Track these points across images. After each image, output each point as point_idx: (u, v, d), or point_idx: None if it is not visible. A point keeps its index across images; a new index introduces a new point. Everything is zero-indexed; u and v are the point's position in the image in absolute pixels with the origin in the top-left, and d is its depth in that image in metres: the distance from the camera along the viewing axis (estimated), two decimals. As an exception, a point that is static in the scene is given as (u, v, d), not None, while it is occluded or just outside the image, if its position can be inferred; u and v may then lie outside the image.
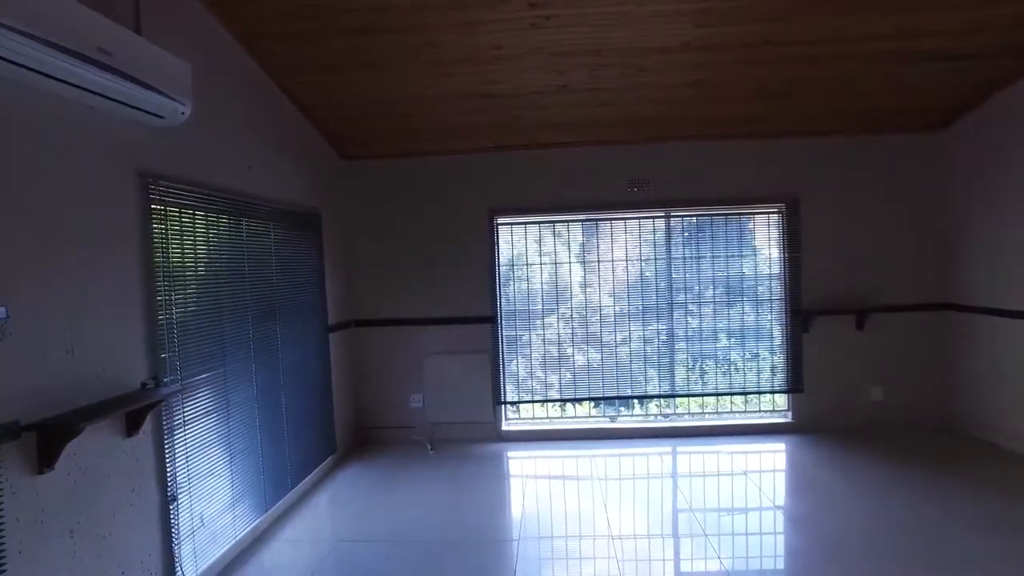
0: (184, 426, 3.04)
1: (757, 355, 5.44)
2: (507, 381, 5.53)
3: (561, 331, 5.51)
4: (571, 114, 4.70)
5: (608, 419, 5.62)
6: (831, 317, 5.26)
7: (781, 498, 4.25)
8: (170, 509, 2.91)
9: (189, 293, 3.16)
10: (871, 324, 5.26)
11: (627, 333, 5.47)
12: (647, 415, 5.64)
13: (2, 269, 2.13)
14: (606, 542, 3.58)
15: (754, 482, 4.41)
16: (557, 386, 5.54)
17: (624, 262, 5.43)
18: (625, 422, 5.58)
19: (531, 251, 5.51)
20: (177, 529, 2.94)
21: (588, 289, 5.50)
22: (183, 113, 2.79)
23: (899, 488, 4.13)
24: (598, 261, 5.46)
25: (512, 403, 5.58)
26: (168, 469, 2.91)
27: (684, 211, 5.34)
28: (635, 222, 5.39)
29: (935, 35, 3.75)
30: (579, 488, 4.46)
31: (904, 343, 5.29)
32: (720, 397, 5.54)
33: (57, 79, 2.19)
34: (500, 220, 5.45)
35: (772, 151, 5.21)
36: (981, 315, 4.88)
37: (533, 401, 5.58)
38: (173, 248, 3.04)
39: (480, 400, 5.44)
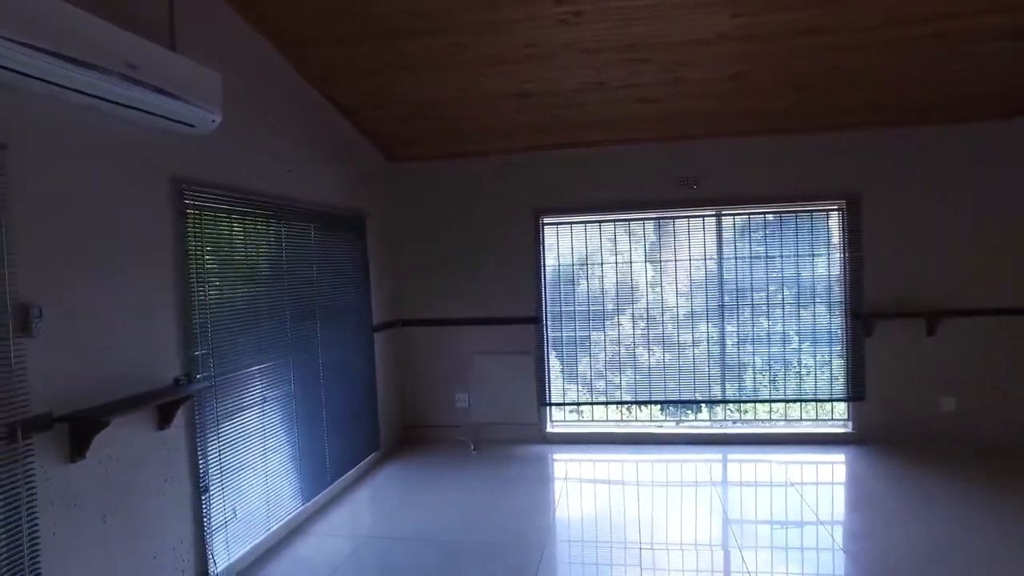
0: (217, 421, 3.17)
1: (815, 360, 5.14)
2: (554, 382, 5.47)
3: (607, 333, 5.40)
4: (611, 112, 4.59)
5: (662, 424, 5.46)
6: (897, 321, 4.90)
7: (834, 513, 4.01)
8: (202, 500, 3.05)
9: (223, 293, 3.30)
10: (943, 329, 4.85)
11: (676, 335, 5.29)
12: (697, 420, 5.44)
13: (39, 270, 2.29)
14: (636, 551, 3.47)
15: (805, 495, 4.17)
16: (604, 388, 5.44)
17: (672, 262, 5.26)
18: (673, 427, 5.40)
19: (577, 251, 5.42)
20: (209, 519, 3.07)
21: (635, 290, 5.36)
22: (213, 121, 2.90)
23: (967, 511, 3.79)
24: (645, 262, 5.32)
25: (556, 404, 5.51)
26: (200, 462, 3.04)
27: (736, 209, 5.12)
28: (684, 221, 5.21)
29: (1006, 10, 3.41)
30: (620, 493, 4.37)
31: (981, 350, 4.85)
32: (774, 404, 5.27)
33: (86, 93, 2.33)
34: (545, 220, 5.40)
35: (829, 145, 4.91)
36: (1071, 321, 4.42)
37: (577, 403, 5.51)
38: (207, 250, 3.18)
39: (524, 401, 5.42)
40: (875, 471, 4.51)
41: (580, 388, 5.48)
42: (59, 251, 2.38)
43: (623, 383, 5.40)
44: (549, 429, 5.48)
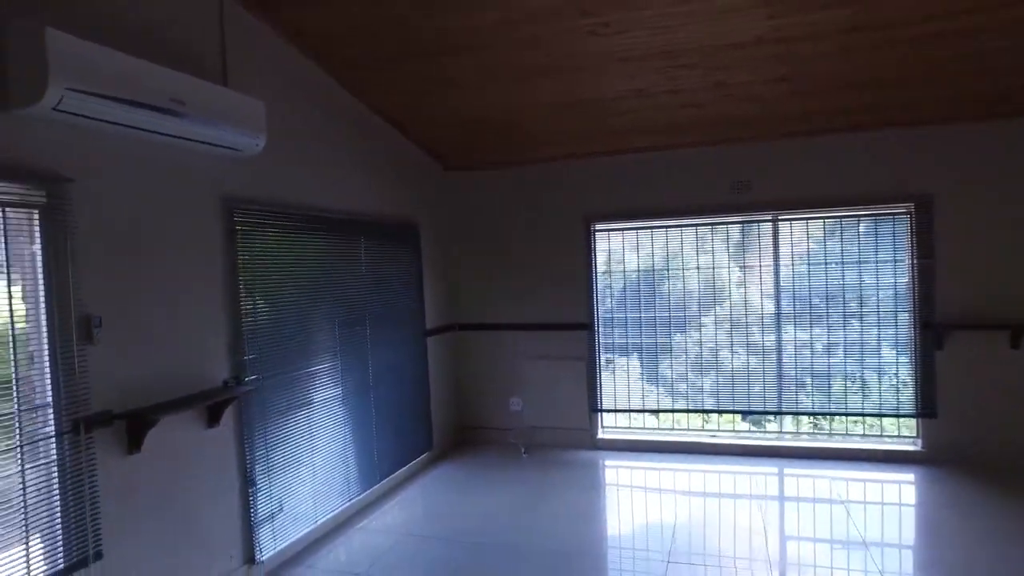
0: (264, 420, 3.44)
1: (879, 373, 4.85)
2: (604, 389, 5.47)
3: (659, 339, 5.34)
4: (656, 117, 4.55)
5: (715, 433, 5.32)
6: (973, 332, 4.54)
7: (902, 537, 3.78)
8: (249, 493, 3.32)
9: (271, 301, 3.56)
10: (1030, 342, 4.46)
11: (730, 343, 5.15)
12: (752, 431, 5.28)
13: (100, 284, 2.59)
14: (687, 566, 3.42)
15: (869, 515, 3.97)
16: (655, 394, 5.39)
17: (726, 268, 5.12)
18: (727, 437, 5.26)
19: (629, 257, 5.40)
20: (255, 511, 3.34)
21: (688, 297, 5.26)
22: (257, 145, 3.17)
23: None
24: (698, 268, 5.21)
25: (607, 411, 5.50)
26: (247, 458, 3.31)
27: (793, 214, 4.91)
28: (738, 226, 5.06)
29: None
30: (672, 503, 4.32)
31: (1073, 366, 4.42)
32: (833, 417, 5.02)
33: (142, 128, 2.62)
34: (597, 227, 5.41)
35: (894, 144, 4.62)
36: None
37: (629, 410, 5.47)
38: (256, 261, 3.45)
39: (576, 406, 5.45)
40: (947, 495, 4.21)
41: (658, 392, 5.44)
42: (117, 266, 2.68)
43: (675, 391, 5.32)
44: (600, 435, 5.48)
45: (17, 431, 2.39)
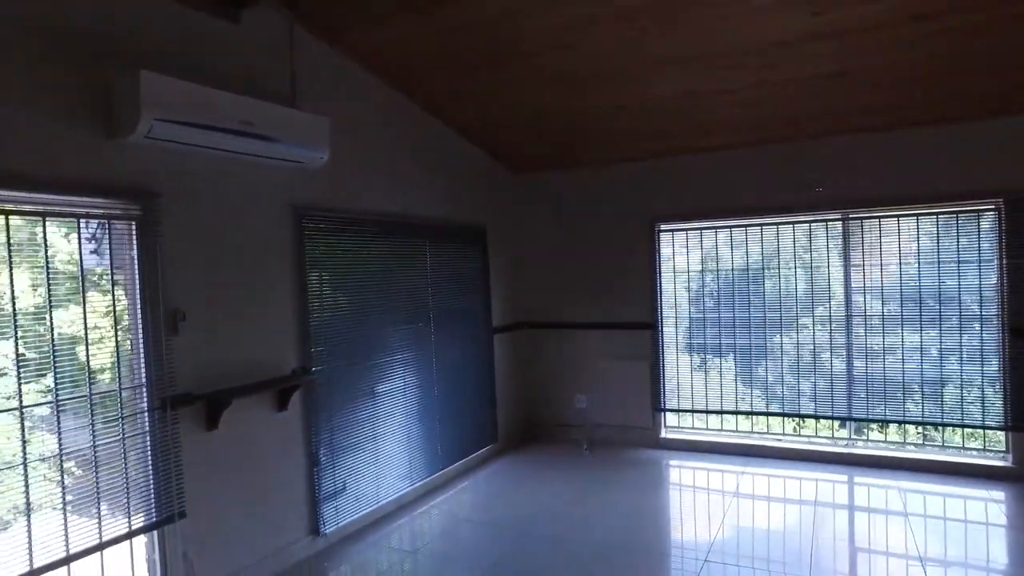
0: (329, 406, 3.81)
1: (961, 381, 4.53)
2: (666, 387, 5.48)
3: (723, 340, 5.27)
4: (712, 118, 4.53)
5: (781, 437, 5.19)
6: (1072, 340, 4.16)
7: (990, 559, 3.55)
8: (314, 472, 3.69)
9: (337, 299, 3.93)
10: None
11: (795, 344, 5.00)
12: (819, 437, 5.10)
13: (184, 282, 3.03)
14: (750, 572, 3.45)
15: (950, 532, 3.77)
16: (717, 396, 5.33)
17: (792, 270, 4.98)
18: (794, 442, 5.11)
19: (693, 258, 5.37)
20: (320, 488, 3.71)
21: (753, 297, 5.16)
22: (322, 158, 3.52)
23: None
24: (763, 268, 5.10)
25: (671, 410, 5.51)
26: (312, 440, 3.69)
27: (865, 212, 4.70)
28: (805, 226, 4.91)
29: None
30: (735, 506, 4.27)
31: None
32: (908, 426, 4.75)
33: (220, 149, 3.03)
34: (661, 227, 5.43)
35: (978, 137, 4.31)
36: None
37: (693, 411, 5.44)
38: (323, 263, 3.82)
39: (639, 405, 5.49)
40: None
41: (694, 394, 5.40)
42: (199, 268, 3.11)
43: (739, 392, 5.24)
44: (663, 434, 5.49)
45: (119, 405, 2.86)
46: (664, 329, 5.44)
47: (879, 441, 4.92)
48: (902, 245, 4.63)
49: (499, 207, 5.73)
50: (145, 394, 2.92)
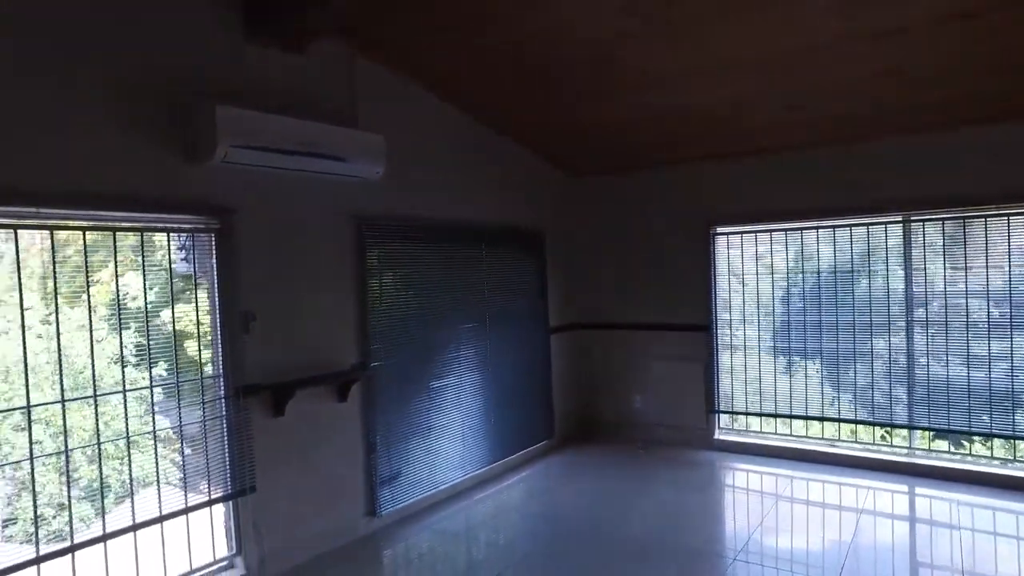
0: (386, 399, 4.16)
1: (1033, 391, 4.29)
2: (721, 389, 5.50)
3: (778, 343, 5.23)
4: (763, 122, 4.54)
5: (835, 442, 5.08)
6: None
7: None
8: (372, 458, 4.06)
9: (395, 300, 4.27)
10: None
11: (851, 349, 4.89)
12: (878, 444, 4.95)
13: (256, 287, 3.45)
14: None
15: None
16: (772, 399, 5.28)
17: (850, 273, 4.86)
18: (850, 448, 4.99)
19: (748, 260, 5.34)
20: (376, 474, 4.07)
21: (810, 300, 5.07)
22: (378, 172, 3.87)
23: None
24: (818, 272, 5.01)
25: (725, 412, 5.51)
26: (370, 429, 4.06)
27: (928, 213, 4.53)
28: (862, 228, 4.78)
29: None
30: (788, 512, 4.26)
31: None
32: (973, 438, 4.54)
33: (285, 168, 3.43)
34: (717, 229, 5.44)
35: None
36: None
37: (747, 413, 5.43)
38: (382, 267, 4.18)
39: (694, 406, 5.53)
40: None
41: (748, 397, 5.37)
42: (269, 274, 3.53)
43: (794, 396, 5.17)
44: (718, 436, 5.50)
45: (200, 392, 3.33)
46: (719, 331, 5.45)
47: (944, 452, 4.72)
48: (968, 246, 4.42)
49: (557, 211, 5.92)
50: (222, 383, 3.37)
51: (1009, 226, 4.28)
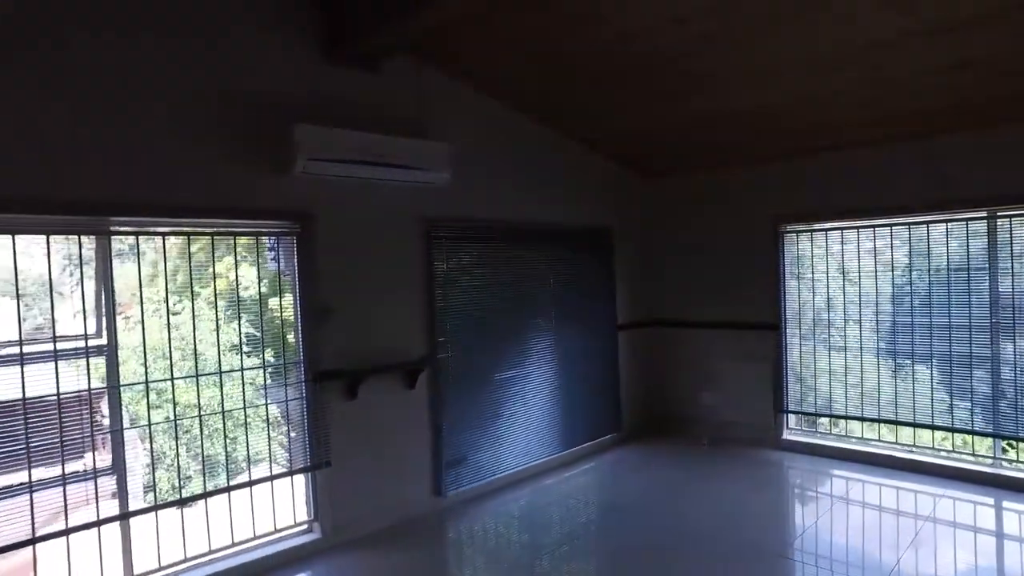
0: (452, 388, 4.48)
1: None
2: (790, 389, 5.41)
3: (849, 344, 5.07)
4: (833, 117, 4.44)
5: (911, 448, 4.87)
6: None
7: None
8: (438, 443, 4.39)
9: (461, 296, 4.58)
10: None
11: (928, 351, 4.67)
12: (957, 452, 4.71)
13: (332, 284, 3.87)
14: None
15: None
16: (856, 401, 5.14)
17: (927, 272, 4.65)
18: (930, 456, 4.77)
19: (818, 258, 5.23)
20: (442, 457, 4.40)
21: (883, 300, 4.90)
22: (445, 178, 4.18)
23: None
24: (892, 269, 4.82)
25: (793, 412, 5.42)
26: (437, 415, 4.39)
27: (1015, 209, 4.25)
28: (942, 225, 4.56)
29: None
30: (859, 517, 4.17)
31: None
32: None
33: (358, 177, 3.82)
34: (786, 228, 5.35)
35: None
36: None
37: (816, 414, 5.31)
38: (449, 265, 4.50)
39: (761, 405, 5.48)
40: None
41: (818, 399, 5.25)
42: (344, 272, 3.93)
43: (865, 398, 5.01)
44: (785, 436, 5.42)
45: (283, 376, 3.79)
46: (788, 330, 5.36)
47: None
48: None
49: (625, 211, 6.03)
50: (302, 368, 3.81)
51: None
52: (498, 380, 4.82)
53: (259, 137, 3.58)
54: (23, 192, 2.85)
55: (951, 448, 4.76)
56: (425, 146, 4.08)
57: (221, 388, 3.56)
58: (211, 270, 3.62)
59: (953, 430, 4.69)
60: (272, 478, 3.69)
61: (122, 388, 3.21)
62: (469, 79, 4.51)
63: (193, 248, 3.47)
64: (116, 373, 3.16)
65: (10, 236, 2.88)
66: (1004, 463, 4.52)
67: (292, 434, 3.83)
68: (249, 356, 3.75)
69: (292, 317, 3.83)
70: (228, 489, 3.52)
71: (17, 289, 2.87)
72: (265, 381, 3.73)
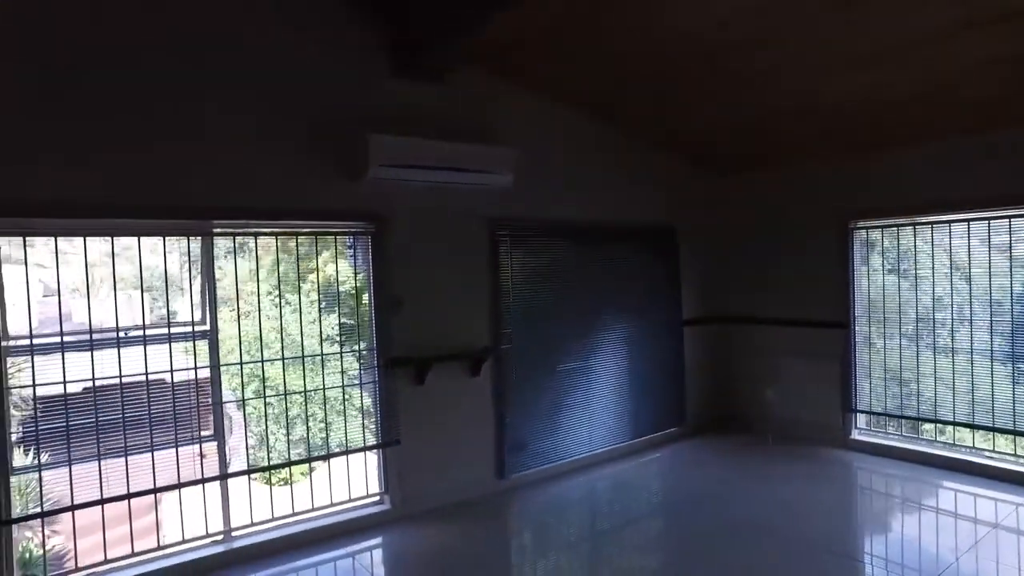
0: (515, 377, 4.76)
1: None
2: (859, 388, 5.30)
3: (924, 341, 4.92)
4: (900, 110, 4.34)
5: (991, 454, 4.66)
6: None
7: None
8: (501, 428, 4.68)
9: (524, 291, 4.84)
10: None
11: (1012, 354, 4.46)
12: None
13: (403, 278, 4.24)
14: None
15: None
16: (914, 402, 4.98)
17: (1009, 270, 4.44)
18: (1012, 463, 4.56)
19: (888, 256, 5.09)
20: (505, 442, 4.69)
21: (958, 298, 4.72)
22: (509, 181, 4.45)
23: None
24: (968, 268, 4.63)
25: (863, 412, 5.30)
26: (500, 402, 4.68)
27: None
28: (1021, 221, 4.35)
29: None
30: (932, 522, 4.12)
31: None
32: None
33: (428, 181, 4.17)
34: (856, 224, 5.24)
35: None
36: None
37: (886, 415, 5.17)
38: (514, 262, 4.77)
39: (829, 404, 5.40)
40: None
41: (887, 399, 5.11)
42: (414, 267, 4.29)
43: (938, 399, 4.83)
44: (854, 436, 5.32)
45: (359, 361, 4.20)
46: (857, 328, 5.25)
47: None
48: None
49: (690, 207, 6.07)
50: (376, 355, 4.21)
51: None
52: (560, 371, 5.05)
53: (337, 147, 3.99)
54: (143, 201, 3.39)
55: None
56: (489, 151, 4.36)
57: (304, 371, 4.01)
58: (308, 265, 4.06)
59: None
60: (347, 452, 4.12)
61: (223, 368, 3.73)
62: (531, 85, 4.75)
63: (290, 247, 3.95)
64: (217, 354, 3.67)
65: (136, 237, 3.43)
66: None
67: (367, 414, 4.25)
68: (332, 343, 4.20)
69: (367, 308, 4.24)
70: (308, 460, 3.97)
71: (142, 283, 3.42)
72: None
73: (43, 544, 3.55)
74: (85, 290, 3.42)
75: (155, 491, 3.47)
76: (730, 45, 3.86)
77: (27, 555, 3.86)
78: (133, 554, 3.44)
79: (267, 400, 3.91)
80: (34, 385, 3.18)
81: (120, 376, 3.35)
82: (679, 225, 5.93)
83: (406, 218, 4.28)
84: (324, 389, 4.08)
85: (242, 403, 3.84)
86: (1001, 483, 4.44)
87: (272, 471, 5.63)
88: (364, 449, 4.20)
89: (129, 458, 3.37)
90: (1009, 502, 4.17)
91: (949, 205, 4.64)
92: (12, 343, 3.20)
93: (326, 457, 4.02)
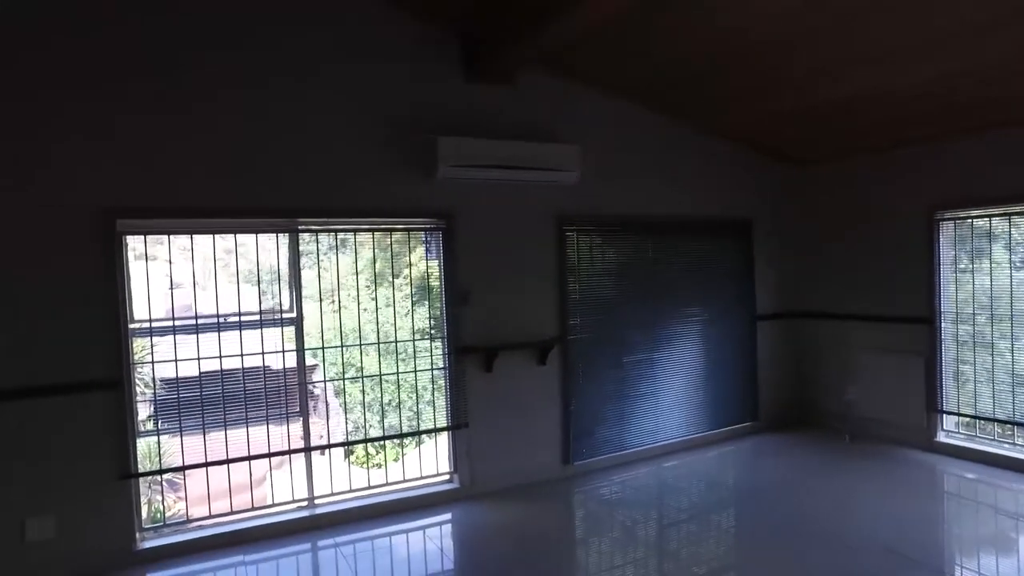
0: (582, 366, 4.90)
1: None
2: (946, 387, 5.04)
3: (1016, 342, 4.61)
4: (982, 96, 4.10)
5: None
6: None
7: None
8: (567, 415, 4.85)
9: (592, 283, 4.97)
10: None
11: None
12: None
13: (473, 270, 4.48)
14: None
15: None
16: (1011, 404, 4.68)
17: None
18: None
19: (980, 247, 4.79)
20: (570, 429, 4.85)
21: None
22: (574, 177, 4.59)
23: None
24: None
25: (951, 413, 5.03)
26: (566, 390, 4.84)
27: None
28: None
29: None
30: (1002, 530, 3.94)
31: None
32: None
33: (494, 179, 4.38)
34: (941, 215, 4.97)
35: None
36: None
37: (977, 417, 4.88)
38: (581, 256, 4.91)
39: (912, 403, 5.16)
40: None
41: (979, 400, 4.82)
42: (483, 260, 4.52)
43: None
44: (940, 438, 5.06)
45: (430, 350, 4.50)
46: (944, 324, 4.98)
47: None
48: None
49: (766, 200, 5.94)
50: (447, 343, 4.49)
51: None
52: (628, 362, 5.15)
53: (410, 147, 4.28)
54: (240, 201, 3.82)
55: None
56: (555, 148, 4.52)
57: (379, 356, 4.36)
58: (402, 260, 4.38)
59: None
60: (418, 433, 4.43)
61: (307, 351, 4.13)
62: (597, 83, 4.85)
63: (385, 243, 4.29)
64: (302, 339, 4.07)
65: (232, 235, 3.88)
66: None
67: (439, 398, 4.54)
68: (422, 337, 4.51)
69: (439, 300, 4.53)
70: (383, 438, 4.31)
71: (238, 275, 3.85)
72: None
73: (162, 496, 4.10)
74: (213, 281, 3.88)
75: (249, 458, 3.93)
76: (789, 33, 3.78)
77: (156, 513, 4.46)
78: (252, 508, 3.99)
79: (350, 383, 4.29)
80: (174, 361, 3.70)
81: (242, 355, 3.88)
82: (754, 217, 5.83)
83: (476, 214, 4.51)
84: (397, 374, 4.41)
85: (342, 388, 4.22)
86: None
87: (367, 454, 6.25)
88: (435, 431, 4.50)
89: (238, 430, 3.85)
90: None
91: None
92: (155, 324, 3.74)
93: (399, 436, 4.35)
